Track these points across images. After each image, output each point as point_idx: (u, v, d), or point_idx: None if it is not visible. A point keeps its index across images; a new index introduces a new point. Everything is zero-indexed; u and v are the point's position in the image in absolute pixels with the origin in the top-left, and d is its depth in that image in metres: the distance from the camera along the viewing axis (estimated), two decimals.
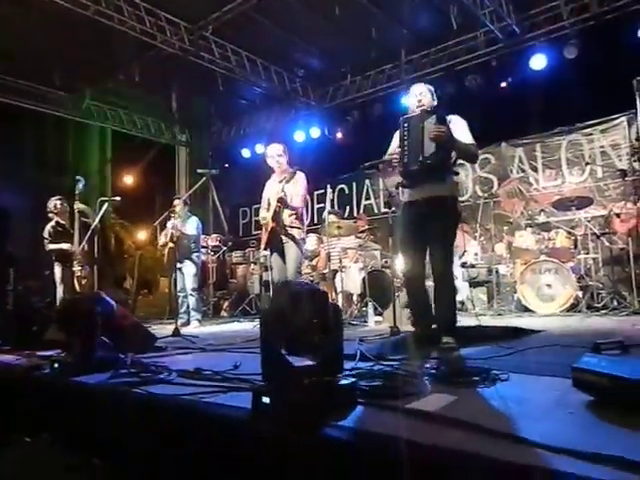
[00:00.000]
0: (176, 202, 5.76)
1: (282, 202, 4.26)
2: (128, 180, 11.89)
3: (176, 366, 2.61)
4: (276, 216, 4.34)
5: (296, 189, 4.36)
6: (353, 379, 1.89)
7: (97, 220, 5.14)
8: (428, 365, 2.30)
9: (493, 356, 2.58)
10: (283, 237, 4.39)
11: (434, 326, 3.12)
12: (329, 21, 7.00)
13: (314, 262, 6.63)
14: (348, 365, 2.27)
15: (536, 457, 1.21)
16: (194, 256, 5.78)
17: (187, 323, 5.72)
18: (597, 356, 1.71)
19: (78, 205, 5.20)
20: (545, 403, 1.69)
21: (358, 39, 7.36)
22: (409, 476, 1.29)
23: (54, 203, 5.54)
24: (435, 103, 3.29)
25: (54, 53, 7.12)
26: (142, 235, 9.79)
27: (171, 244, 5.49)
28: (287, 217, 4.40)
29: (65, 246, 5.36)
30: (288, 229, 4.38)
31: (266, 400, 1.69)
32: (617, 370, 1.55)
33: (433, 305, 3.20)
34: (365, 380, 2.01)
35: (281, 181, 4.34)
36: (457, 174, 3.21)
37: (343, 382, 1.81)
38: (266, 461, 1.47)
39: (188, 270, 5.72)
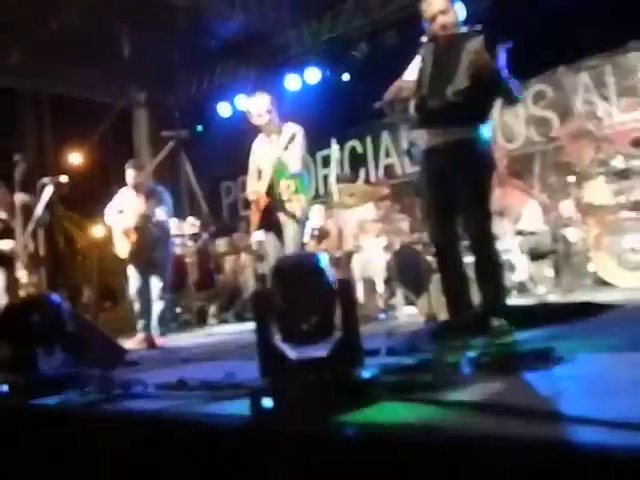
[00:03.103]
0: (131, 172, 5.49)
1: (280, 171, 4.32)
2: (74, 159, 12.02)
3: (154, 380, 2.72)
4: (271, 189, 4.40)
5: (294, 152, 4.41)
6: (376, 372, 1.97)
7: (41, 208, 5.24)
8: (472, 352, 2.38)
9: (556, 336, 2.65)
10: (281, 215, 4.46)
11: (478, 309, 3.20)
12: None
13: (322, 245, 6.69)
14: (373, 363, 2.36)
15: (610, 436, 1.27)
16: (166, 246, 5.70)
17: (149, 337, 5.46)
18: None
19: (20, 196, 5.29)
20: (618, 381, 1.76)
21: None
22: (447, 475, 1.37)
23: None
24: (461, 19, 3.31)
25: None
26: (98, 230, 9.84)
27: (136, 235, 5.39)
28: (285, 188, 4.45)
29: (6, 245, 5.46)
30: (287, 205, 4.44)
31: (267, 403, 1.78)
32: None
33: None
34: (393, 375, 2.10)
35: (272, 142, 4.38)
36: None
37: (363, 375, 1.89)
38: (269, 470, 1.56)
39: (157, 264, 5.51)
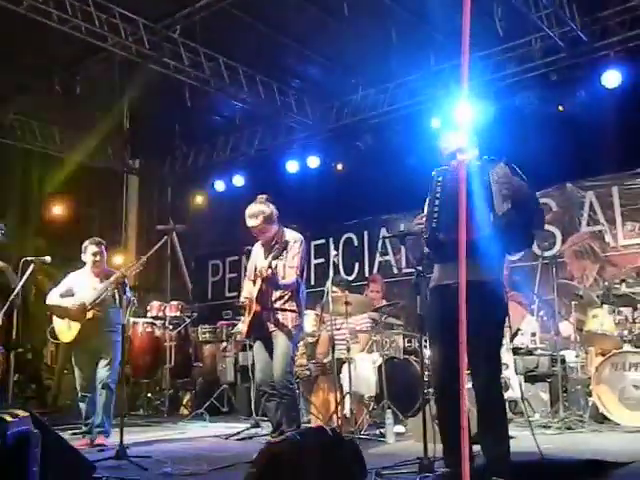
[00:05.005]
0: (92, 248, 5.35)
1: (270, 282, 4.28)
2: (57, 212, 11.98)
3: None
4: (262, 296, 4.35)
5: (290, 260, 4.40)
6: None
7: (19, 287, 5.14)
8: None
9: None
10: (270, 325, 4.39)
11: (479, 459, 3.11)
12: (335, 19, 7.26)
13: (312, 341, 6.57)
14: None
15: None
16: (117, 332, 5.25)
17: (89, 432, 5.23)
18: None
19: None
20: None
21: (374, 42, 7.60)
22: None
23: None
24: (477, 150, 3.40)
25: None
26: None
27: (94, 311, 5.16)
28: (278, 297, 4.42)
29: None
30: (279, 314, 4.39)
31: None
32: None
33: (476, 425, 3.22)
34: None
35: (271, 249, 4.36)
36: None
37: None
38: None
39: (109, 352, 5.23)
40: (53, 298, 5.40)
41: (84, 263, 5.48)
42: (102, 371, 5.23)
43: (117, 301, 5.18)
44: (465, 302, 3.10)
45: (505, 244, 3.18)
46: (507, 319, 3.35)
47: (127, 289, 5.20)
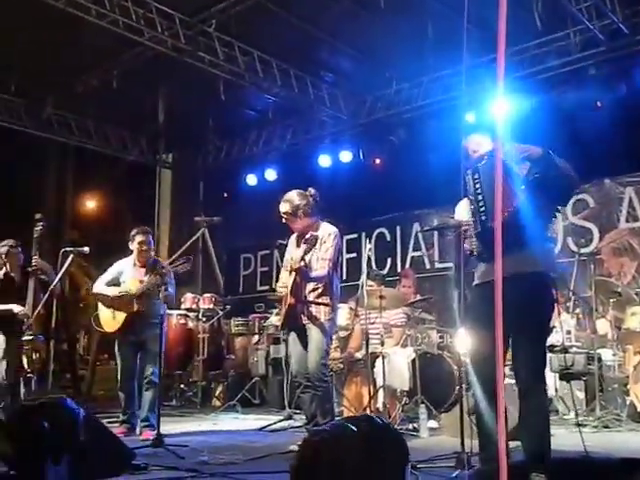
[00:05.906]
0: (140, 237, 5.39)
1: (302, 274, 4.31)
2: (91, 206, 12.24)
3: None
4: (296, 289, 4.37)
5: (322, 253, 4.41)
6: None
7: (58, 278, 5.23)
8: None
9: None
10: (304, 317, 4.42)
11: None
12: (369, 12, 7.23)
13: (344, 335, 6.58)
14: None
15: None
16: (162, 327, 5.15)
17: (132, 428, 5.31)
18: None
19: (37, 261, 5.30)
20: None
21: (409, 36, 7.55)
22: None
23: (5, 249, 5.65)
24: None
25: (9, 51, 7.46)
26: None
27: (138, 304, 5.21)
28: (311, 290, 4.44)
29: (15, 308, 5.41)
30: (312, 307, 4.40)
31: None
32: None
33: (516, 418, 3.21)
34: None
35: (304, 242, 4.36)
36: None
37: None
38: None
39: (154, 345, 5.14)
40: (99, 286, 5.48)
41: (119, 257, 5.59)
42: (148, 367, 5.29)
43: (159, 294, 5.14)
44: (510, 295, 3.10)
45: (550, 198, 3.19)
46: (553, 315, 3.33)
47: (172, 283, 5.25)
